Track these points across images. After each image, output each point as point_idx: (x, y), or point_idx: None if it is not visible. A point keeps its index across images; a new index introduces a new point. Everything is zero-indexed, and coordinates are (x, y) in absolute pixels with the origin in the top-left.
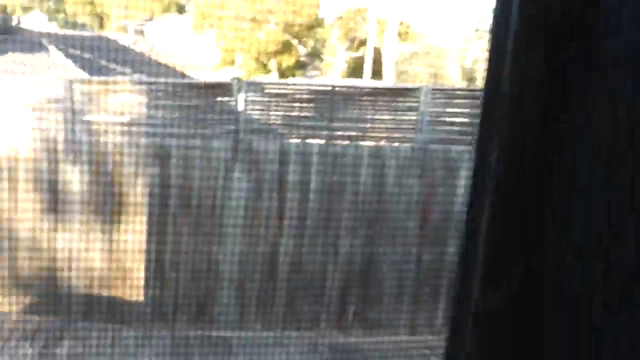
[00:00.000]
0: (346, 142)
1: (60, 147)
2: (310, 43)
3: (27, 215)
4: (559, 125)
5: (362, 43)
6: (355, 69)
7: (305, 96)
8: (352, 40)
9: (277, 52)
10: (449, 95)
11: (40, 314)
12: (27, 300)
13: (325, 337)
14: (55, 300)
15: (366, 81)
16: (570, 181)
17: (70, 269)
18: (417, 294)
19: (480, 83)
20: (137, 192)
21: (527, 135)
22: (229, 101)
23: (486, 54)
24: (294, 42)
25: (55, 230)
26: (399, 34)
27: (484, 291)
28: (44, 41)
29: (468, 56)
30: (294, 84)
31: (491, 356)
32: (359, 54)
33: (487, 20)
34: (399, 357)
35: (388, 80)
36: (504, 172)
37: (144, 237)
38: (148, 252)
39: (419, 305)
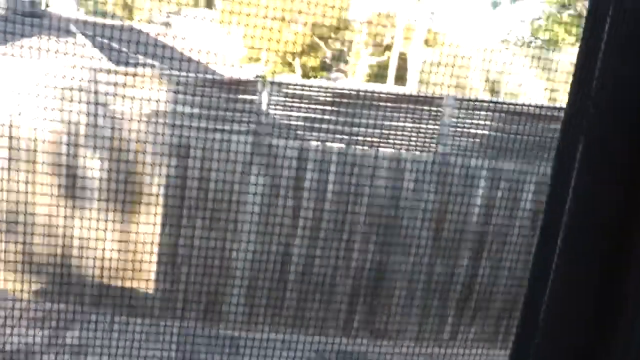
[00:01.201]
0: (366, 147)
1: (82, 134)
2: (336, 45)
3: (44, 200)
4: None
5: (388, 48)
6: (379, 74)
7: (327, 99)
8: (377, 45)
9: (303, 52)
10: (472, 106)
11: (50, 300)
12: (38, 285)
13: (332, 342)
14: (67, 287)
15: (389, 86)
16: None
17: (83, 257)
18: (426, 305)
19: (503, 95)
20: (155, 184)
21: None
22: (252, 99)
23: (514, 64)
24: (320, 43)
25: (71, 217)
26: (426, 41)
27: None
28: (72, 27)
29: (493, 67)
30: (317, 86)
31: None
32: (383, 58)
33: (513, 31)
34: None
35: (411, 87)
36: (599, 160)
37: (158, 230)
38: (161, 245)
39: (428, 317)
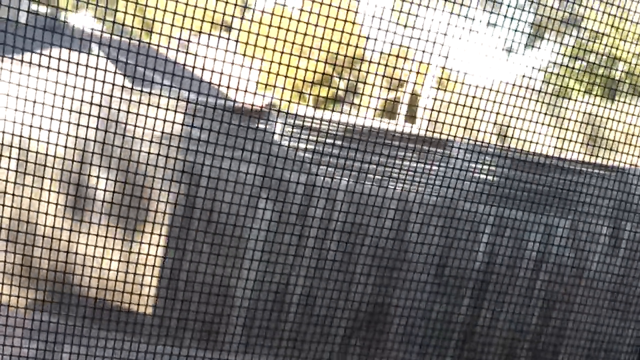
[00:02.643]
0: (373, 184)
1: (92, 150)
2: (349, 78)
3: (48, 213)
4: None
5: (400, 85)
6: (390, 110)
7: (338, 133)
8: (390, 81)
9: (316, 83)
10: (480, 150)
11: (46, 313)
12: (36, 297)
13: None
14: (64, 301)
15: (399, 124)
16: None
17: (83, 273)
18: (424, 347)
19: (512, 141)
20: (161, 205)
21: None
22: (263, 128)
23: (524, 110)
24: (334, 75)
25: (75, 232)
26: (438, 81)
27: None
28: (90, 42)
29: (503, 111)
30: (328, 119)
31: None
32: (395, 95)
33: (525, 78)
34: None
35: (421, 126)
36: None
37: (161, 252)
38: (163, 266)
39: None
